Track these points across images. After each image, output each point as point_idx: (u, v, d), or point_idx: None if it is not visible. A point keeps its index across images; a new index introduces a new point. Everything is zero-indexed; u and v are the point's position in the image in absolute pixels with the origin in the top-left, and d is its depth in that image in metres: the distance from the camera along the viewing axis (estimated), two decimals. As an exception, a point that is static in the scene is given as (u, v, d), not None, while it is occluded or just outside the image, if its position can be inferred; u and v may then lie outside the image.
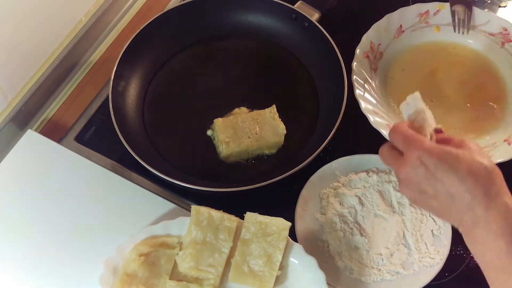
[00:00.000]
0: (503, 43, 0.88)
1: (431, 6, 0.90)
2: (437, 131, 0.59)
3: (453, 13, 0.77)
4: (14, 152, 0.80)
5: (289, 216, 0.73)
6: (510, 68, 0.87)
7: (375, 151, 0.79)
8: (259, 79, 0.87)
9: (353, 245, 0.74)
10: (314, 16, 0.86)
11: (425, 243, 0.73)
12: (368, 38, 0.87)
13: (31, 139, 0.81)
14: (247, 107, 0.83)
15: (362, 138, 0.83)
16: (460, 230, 0.57)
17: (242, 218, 0.71)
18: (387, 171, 0.78)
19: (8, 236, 0.74)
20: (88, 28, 0.90)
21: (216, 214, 0.71)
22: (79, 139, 0.84)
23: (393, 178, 0.77)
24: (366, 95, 0.83)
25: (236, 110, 0.83)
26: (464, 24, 0.76)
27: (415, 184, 0.57)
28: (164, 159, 0.80)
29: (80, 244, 0.74)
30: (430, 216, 0.75)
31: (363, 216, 0.75)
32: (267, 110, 0.81)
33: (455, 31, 0.88)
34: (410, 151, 0.57)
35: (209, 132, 0.82)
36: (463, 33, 0.85)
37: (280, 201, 0.78)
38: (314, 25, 0.85)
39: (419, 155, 0.56)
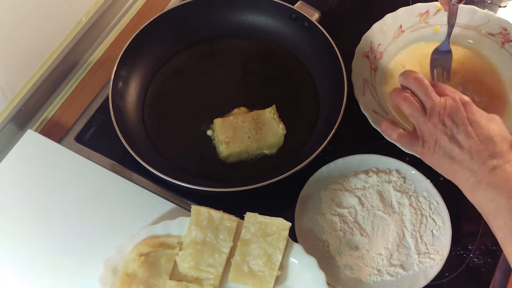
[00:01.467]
0: (503, 43, 0.88)
1: (431, 6, 0.90)
2: None
3: (432, 75, 0.83)
4: (14, 152, 0.80)
5: (289, 216, 0.73)
6: (510, 68, 0.87)
7: (375, 151, 0.80)
8: (259, 79, 0.87)
9: (353, 245, 0.74)
10: (314, 16, 0.86)
11: (425, 243, 0.74)
12: (368, 38, 0.87)
13: (31, 139, 0.81)
14: (247, 107, 0.83)
15: (362, 138, 0.83)
16: (465, 183, 0.65)
17: (242, 218, 0.72)
18: (387, 171, 0.78)
19: (8, 236, 0.74)
20: (88, 28, 0.90)
21: (216, 214, 0.71)
22: (79, 139, 0.84)
23: (393, 178, 0.77)
24: (366, 95, 0.83)
25: (236, 110, 0.83)
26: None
27: (452, 123, 0.65)
28: (164, 159, 0.80)
29: (80, 244, 0.74)
30: (430, 216, 0.75)
31: (363, 216, 0.75)
32: (267, 110, 0.81)
33: None
34: (453, 93, 0.67)
35: (209, 132, 0.82)
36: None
37: (280, 201, 0.79)
38: (314, 25, 0.85)
39: (461, 97, 0.66)
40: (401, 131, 0.72)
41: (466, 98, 0.67)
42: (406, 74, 0.71)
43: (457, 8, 0.80)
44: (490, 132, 0.64)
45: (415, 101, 0.69)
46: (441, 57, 0.83)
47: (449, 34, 0.82)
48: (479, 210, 0.64)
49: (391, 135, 0.73)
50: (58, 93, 0.90)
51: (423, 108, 0.68)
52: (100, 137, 0.84)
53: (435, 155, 0.67)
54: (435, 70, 0.83)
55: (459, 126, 0.65)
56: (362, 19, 0.92)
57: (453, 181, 0.67)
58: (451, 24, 0.81)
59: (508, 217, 0.60)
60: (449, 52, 0.83)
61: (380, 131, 0.78)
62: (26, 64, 0.84)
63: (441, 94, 0.68)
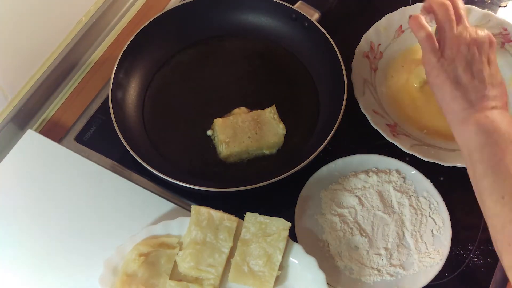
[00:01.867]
0: (503, 43, 0.88)
1: (431, 6, 0.90)
2: None
3: None
4: (14, 152, 0.80)
5: (289, 216, 0.73)
6: (510, 68, 0.87)
7: (375, 151, 0.80)
8: (259, 79, 0.87)
9: (353, 245, 0.74)
10: (314, 16, 0.86)
11: (425, 243, 0.74)
12: (368, 38, 0.87)
13: (31, 139, 0.81)
14: (247, 107, 0.83)
15: (362, 138, 0.83)
16: (458, 113, 0.64)
17: (242, 218, 0.72)
18: (387, 171, 0.78)
19: (8, 236, 0.74)
20: (88, 28, 0.90)
21: (216, 214, 0.71)
22: (79, 139, 0.84)
23: (393, 178, 0.77)
24: (366, 95, 0.83)
25: (236, 110, 0.83)
26: None
27: (476, 51, 0.65)
28: (164, 159, 0.80)
29: (80, 244, 0.74)
30: (430, 216, 0.75)
31: (363, 216, 0.75)
32: (267, 110, 0.81)
33: None
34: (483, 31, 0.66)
35: (209, 132, 0.82)
36: None
37: (280, 201, 0.79)
38: (314, 25, 0.85)
39: (491, 36, 0.67)
40: (431, 31, 0.68)
41: (493, 38, 0.67)
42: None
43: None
44: (501, 79, 0.67)
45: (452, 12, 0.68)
46: None
47: None
48: (462, 147, 0.65)
49: (418, 33, 0.68)
50: (58, 93, 0.90)
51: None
52: (100, 137, 0.84)
53: (445, 73, 0.65)
54: None
55: (482, 56, 0.66)
56: (362, 19, 0.92)
57: (445, 108, 0.67)
58: None
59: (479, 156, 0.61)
60: None
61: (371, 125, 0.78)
62: (26, 64, 0.84)
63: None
